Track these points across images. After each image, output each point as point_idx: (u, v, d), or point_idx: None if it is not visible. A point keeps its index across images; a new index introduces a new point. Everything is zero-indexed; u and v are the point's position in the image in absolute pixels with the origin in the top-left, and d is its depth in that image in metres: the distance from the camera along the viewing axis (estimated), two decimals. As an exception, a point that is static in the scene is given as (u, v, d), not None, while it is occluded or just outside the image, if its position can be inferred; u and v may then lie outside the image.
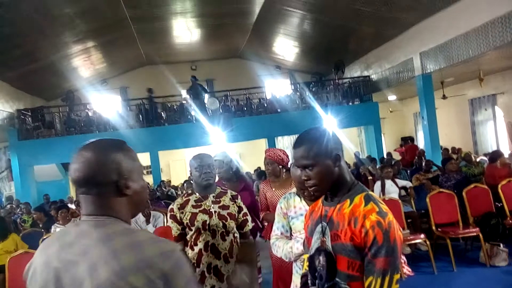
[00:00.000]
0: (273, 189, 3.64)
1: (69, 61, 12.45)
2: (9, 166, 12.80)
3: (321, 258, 1.49)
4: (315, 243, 1.54)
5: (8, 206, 9.59)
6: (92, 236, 1.05)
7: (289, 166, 4.72)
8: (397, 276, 1.31)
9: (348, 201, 1.45)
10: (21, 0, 7.92)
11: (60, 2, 8.67)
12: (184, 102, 12.93)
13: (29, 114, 12.10)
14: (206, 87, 13.61)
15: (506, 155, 7.38)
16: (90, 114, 12.86)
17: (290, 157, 3.91)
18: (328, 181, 1.47)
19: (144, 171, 15.37)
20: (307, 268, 1.67)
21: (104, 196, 1.11)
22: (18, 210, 9.17)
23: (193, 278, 1.11)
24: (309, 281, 1.59)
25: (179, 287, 1.03)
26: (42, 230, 6.52)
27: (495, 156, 6.87)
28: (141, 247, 1.02)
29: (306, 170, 1.48)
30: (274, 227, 2.54)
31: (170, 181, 15.10)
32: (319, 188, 1.48)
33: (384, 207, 1.39)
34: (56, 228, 5.55)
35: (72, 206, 8.72)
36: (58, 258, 1.06)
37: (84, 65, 13.49)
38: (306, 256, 1.69)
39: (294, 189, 2.53)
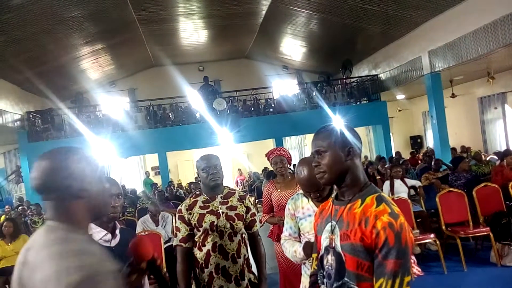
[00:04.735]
0: (279, 190, 3.65)
1: (78, 64, 12.56)
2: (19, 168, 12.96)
3: (329, 257, 1.49)
4: (324, 242, 1.54)
5: (20, 208, 9.68)
6: (41, 240, 1.14)
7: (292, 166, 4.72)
8: (407, 279, 1.29)
9: (360, 201, 1.44)
10: (30, 4, 8.01)
11: (68, 5, 8.74)
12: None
13: (39, 116, 12.22)
14: (215, 89, 13.69)
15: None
16: (98, 115, 12.95)
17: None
18: (336, 170, 1.50)
19: (153, 172, 15.72)
20: (315, 267, 1.67)
21: (61, 200, 1.19)
22: (29, 211, 9.26)
23: None
24: (319, 280, 1.60)
25: None
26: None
27: (503, 154, 6.78)
28: (62, 258, 1.06)
29: (318, 156, 1.54)
30: (283, 228, 2.57)
31: (180, 182, 15.15)
32: (326, 176, 1.51)
33: (396, 209, 1.38)
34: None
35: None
36: (23, 258, 1.15)
37: (92, 67, 13.61)
38: (314, 255, 1.69)
39: (301, 190, 2.53)
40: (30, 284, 1.07)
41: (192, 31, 13.27)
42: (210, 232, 2.50)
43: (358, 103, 13.69)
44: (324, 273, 1.53)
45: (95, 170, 1.27)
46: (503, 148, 10.95)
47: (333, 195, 1.63)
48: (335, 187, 1.58)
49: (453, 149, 10.72)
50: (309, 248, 2.19)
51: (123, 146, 11.48)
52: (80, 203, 1.20)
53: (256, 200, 10.43)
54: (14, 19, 8.34)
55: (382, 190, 6.16)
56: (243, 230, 2.63)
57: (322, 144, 1.53)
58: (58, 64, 11.68)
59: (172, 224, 5.74)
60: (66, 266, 1.04)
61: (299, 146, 17.07)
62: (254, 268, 2.68)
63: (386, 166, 8.63)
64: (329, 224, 1.52)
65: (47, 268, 1.04)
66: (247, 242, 2.67)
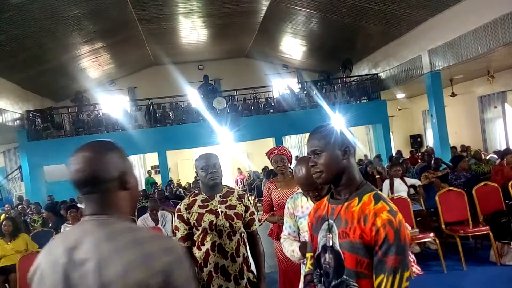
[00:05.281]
0: (279, 189, 3.65)
1: (78, 62, 12.55)
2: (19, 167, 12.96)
3: (327, 255, 1.49)
4: (321, 241, 1.55)
5: (19, 206, 9.68)
6: (97, 235, 1.09)
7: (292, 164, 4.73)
8: (407, 274, 1.32)
9: (357, 199, 1.46)
10: (30, 2, 8.00)
11: (68, 4, 8.74)
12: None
13: (39, 115, 12.21)
14: (215, 88, 13.70)
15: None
16: (98, 114, 12.95)
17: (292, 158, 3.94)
18: (333, 170, 1.51)
19: (153, 171, 15.71)
20: (310, 267, 1.66)
21: (108, 192, 1.16)
22: (28, 210, 9.26)
23: (192, 276, 1.14)
24: (315, 279, 1.60)
25: (178, 282, 1.07)
26: (52, 230, 6.58)
27: (503, 153, 6.77)
28: (143, 243, 1.07)
29: (314, 156, 1.54)
30: (283, 227, 2.56)
31: (179, 181, 15.15)
32: (324, 176, 1.52)
33: (394, 206, 1.40)
34: (66, 228, 5.60)
35: (82, 206, 8.78)
36: (66, 258, 1.08)
37: (92, 66, 13.60)
38: (309, 255, 1.69)
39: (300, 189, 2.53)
40: (96, 281, 1.03)
41: (192, 30, 13.26)
42: (209, 231, 2.50)
43: (358, 102, 13.69)
44: (322, 271, 1.54)
45: (130, 162, 1.28)
46: (503, 147, 10.95)
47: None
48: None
49: (453, 148, 10.72)
50: (305, 248, 2.19)
51: (123, 145, 11.38)
52: (126, 195, 1.20)
53: (256, 199, 10.43)
54: (13, 18, 8.33)
55: (381, 189, 6.19)
56: (242, 229, 2.63)
57: (318, 144, 1.54)
58: (58, 63, 11.68)
59: (172, 223, 5.74)
60: (150, 251, 1.05)
61: (299, 145, 17.06)
62: (253, 267, 2.68)
63: (385, 166, 8.63)
64: (326, 223, 1.53)
65: (125, 258, 1.03)
66: (246, 241, 2.67)
